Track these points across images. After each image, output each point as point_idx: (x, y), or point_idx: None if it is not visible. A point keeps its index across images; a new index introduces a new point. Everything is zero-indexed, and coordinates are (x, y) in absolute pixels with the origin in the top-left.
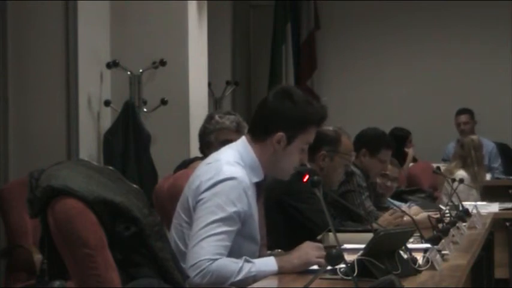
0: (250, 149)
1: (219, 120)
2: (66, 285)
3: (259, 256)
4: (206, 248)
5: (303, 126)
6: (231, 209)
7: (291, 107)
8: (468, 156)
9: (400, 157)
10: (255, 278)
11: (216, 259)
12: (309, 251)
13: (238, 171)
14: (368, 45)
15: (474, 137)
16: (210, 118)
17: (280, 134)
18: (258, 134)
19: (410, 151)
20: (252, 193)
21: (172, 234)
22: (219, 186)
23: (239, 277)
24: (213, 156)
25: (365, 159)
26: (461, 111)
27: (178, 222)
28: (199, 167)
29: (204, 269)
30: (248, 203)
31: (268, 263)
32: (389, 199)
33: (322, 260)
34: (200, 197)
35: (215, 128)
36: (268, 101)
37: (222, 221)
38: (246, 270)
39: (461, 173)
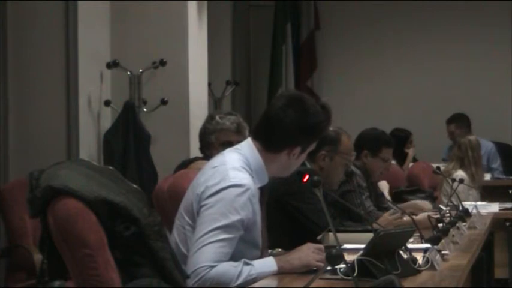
0: (257, 154)
1: (220, 121)
2: (66, 285)
3: (260, 258)
4: (206, 255)
5: (316, 136)
6: (235, 217)
7: (305, 119)
8: (465, 156)
9: (401, 158)
10: (255, 280)
11: (215, 266)
12: (310, 254)
13: (245, 178)
14: (368, 45)
15: (472, 137)
16: (210, 118)
17: (297, 149)
18: (273, 147)
19: (410, 151)
20: (256, 200)
21: (174, 236)
22: (224, 193)
23: (239, 281)
24: (218, 159)
25: (367, 160)
26: (448, 120)
27: (181, 224)
28: (204, 170)
29: (202, 276)
30: (252, 210)
31: (268, 263)
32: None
33: (322, 264)
34: (205, 202)
35: (216, 128)
36: (280, 112)
37: (224, 228)
38: (246, 273)
39: (459, 174)
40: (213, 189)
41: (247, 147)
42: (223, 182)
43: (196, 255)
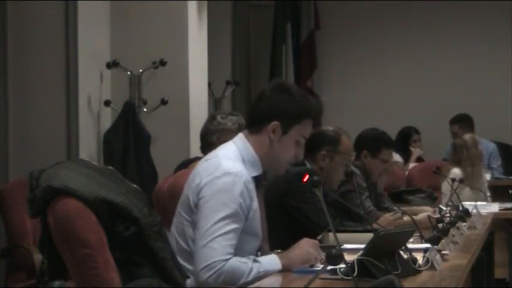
0: (248, 144)
1: (221, 121)
2: (66, 285)
3: (261, 250)
4: (217, 248)
5: (298, 117)
6: (235, 205)
7: (287, 98)
8: (461, 158)
9: (407, 155)
10: (261, 277)
11: (228, 259)
12: (309, 250)
13: (237, 166)
14: (368, 45)
15: (467, 136)
16: (212, 118)
17: (275, 123)
18: (254, 126)
19: (415, 151)
20: (252, 187)
21: (174, 233)
22: (219, 182)
23: (249, 278)
24: (211, 153)
25: (367, 160)
26: (452, 121)
27: (179, 220)
28: (198, 164)
29: (218, 269)
30: (250, 197)
31: (273, 261)
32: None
33: (318, 259)
34: (202, 195)
35: (217, 128)
36: (264, 94)
37: (229, 218)
38: (255, 271)
39: (454, 172)
40: (208, 179)
41: (239, 139)
42: (217, 172)
43: (206, 250)
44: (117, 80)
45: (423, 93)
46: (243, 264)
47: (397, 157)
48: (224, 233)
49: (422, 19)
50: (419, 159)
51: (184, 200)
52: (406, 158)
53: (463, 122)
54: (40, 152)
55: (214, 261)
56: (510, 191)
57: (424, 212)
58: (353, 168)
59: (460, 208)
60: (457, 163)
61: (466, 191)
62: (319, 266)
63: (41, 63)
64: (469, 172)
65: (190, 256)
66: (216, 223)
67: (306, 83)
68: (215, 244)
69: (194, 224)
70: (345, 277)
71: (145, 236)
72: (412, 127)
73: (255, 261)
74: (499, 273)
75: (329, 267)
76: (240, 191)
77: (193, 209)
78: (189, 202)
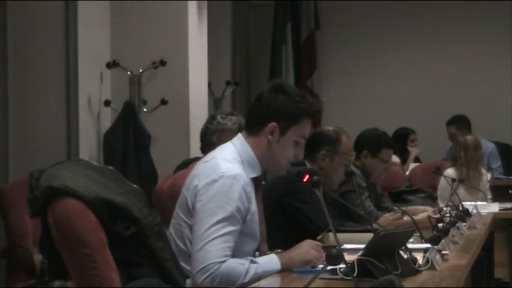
0: (247, 145)
1: (221, 121)
2: (66, 285)
3: (259, 251)
4: (213, 251)
5: (296, 117)
6: (232, 208)
7: (284, 99)
8: (458, 157)
9: (404, 156)
10: (260, 278)
11: (224, 261)
12: (310, 250)
13: (236, 168)
14: (368, 45)
15: (470, 137)
16: (212, 119)
17: (273, 124)
18: (253, 127)
19: (412, 151)
20: (251, 189)
21: (172, 234)
22: (217, 185)
23: (246, 279)
24: (210, 155)
25: (367, 160)
26: (449, 122)
27: (177, 222)
28: (196, 165)
29: (212, 272)
30: (248, 199)
31: (272, 261)
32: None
33: (320, 260)
34: (199, 197)
35: (217, 128)
36: (262, 95)
37: (225, 221)
38: (252, 271)
39: (448, 172)
40: (206, 181)
41: (237, 140)
42: (215, 174)
43: (203, 252)
44: (117, 80)
45: (423, 94)
46: (239, 265)
47: (394, 158)
48: (220, 236)
49: (422, 19)
50: (416, 159)
51: (182, 201)
52: (404, 158)
53: (460, 123)
54: (40, 152)
55: (209, 264)
56: (510, 191)
57: (424, 212)
58: (353, 168)
59: (460, 208)
60: (453, 161)
61: (461, 191)
62: (319, 266)
63: (41, 63)
64: (463, 173)
65: (188, 257)
66: (212, 226)
67: (306, 83)
68: (211, 247)
69: (192, 226)
70: (345, 277)
71: (146, 236)
72: (407, 127)
73: (252, 262)
74: (499, 273)
75: (329, 267)
76: (238, 194)
77: (191, 211)
78: (187, 204)
